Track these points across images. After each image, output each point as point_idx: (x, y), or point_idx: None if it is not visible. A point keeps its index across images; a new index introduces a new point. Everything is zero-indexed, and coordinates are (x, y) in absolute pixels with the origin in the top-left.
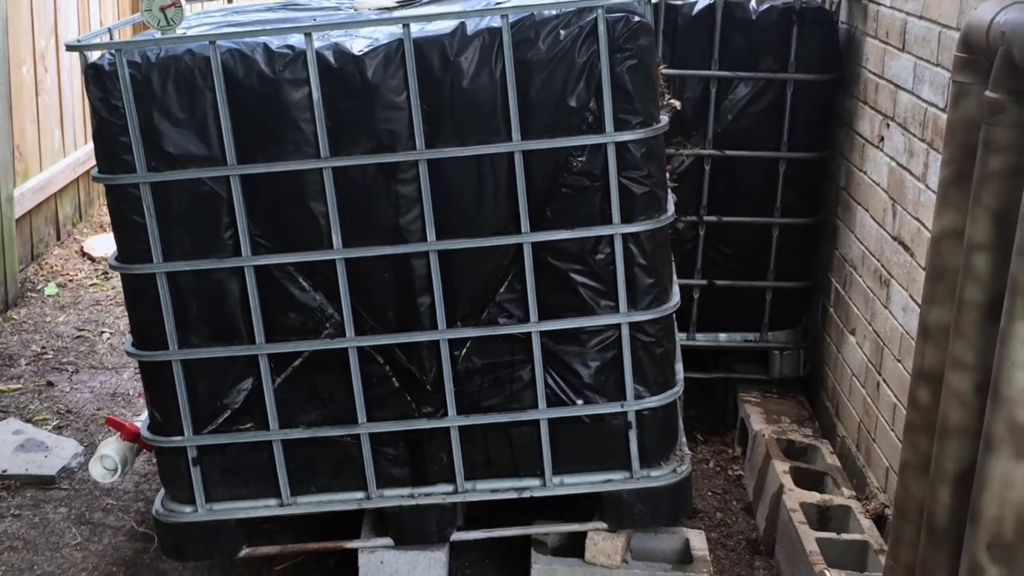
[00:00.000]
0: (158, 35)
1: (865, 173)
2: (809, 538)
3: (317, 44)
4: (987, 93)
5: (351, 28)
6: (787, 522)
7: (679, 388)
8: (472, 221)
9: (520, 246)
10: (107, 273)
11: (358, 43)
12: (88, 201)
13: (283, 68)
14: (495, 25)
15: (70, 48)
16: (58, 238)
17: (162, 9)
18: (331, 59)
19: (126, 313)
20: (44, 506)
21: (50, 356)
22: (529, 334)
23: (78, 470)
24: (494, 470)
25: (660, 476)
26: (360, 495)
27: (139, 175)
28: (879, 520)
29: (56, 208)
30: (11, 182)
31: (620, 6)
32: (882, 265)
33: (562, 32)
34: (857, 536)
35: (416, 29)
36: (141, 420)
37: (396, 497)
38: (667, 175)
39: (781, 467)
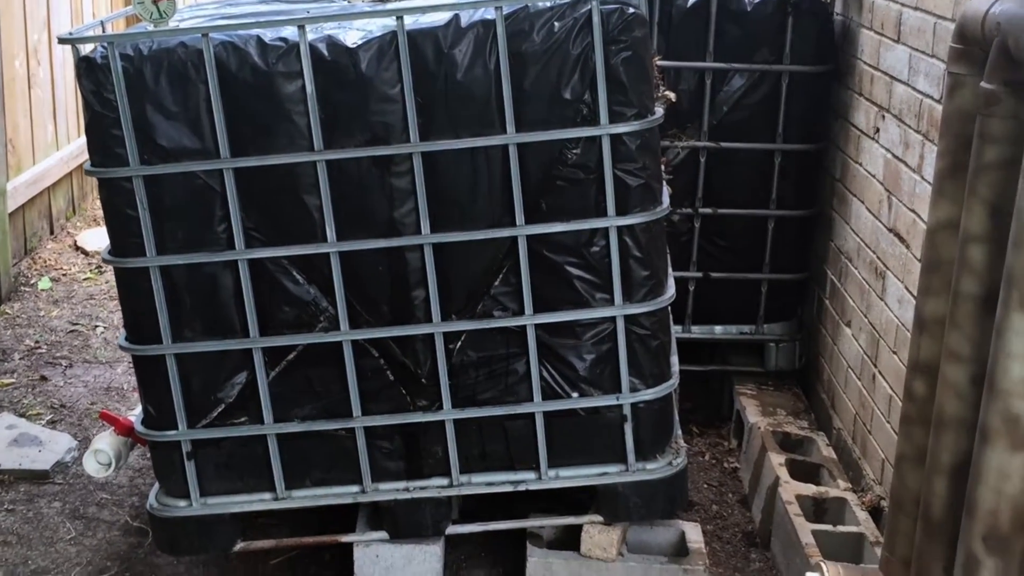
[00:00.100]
0: (150, 28)
1: (860, 165)
2: (805, 530)
3: (310, 36)
4: (982, 84)
5: (345, 20)
6: (783, 514)
7: (675, 381)
8: (466, 214)
9: (515, 239)
10: (100, 267)
11: (352, 35)
12: (81, 195)
13: (276, 61)
14: (489, 17)
15: (62, 41)
16: (51, 232)
17: (154, 2)
18: (324, 51)
19: (120, 307)
20: (38, 501)
21: (44, 350)
22: (524, 327)
23: (72, 464)
24: (489, 463)
25: (656, 469)
26: (355, 489)
27: (132, 168)
28: (875, 512)
29: (49, 202)
30: (4, 176)
31: None
32: (878, 257)
33: (556, 24)
34: (853, 528)
35: (410, 21)
36: (135, 414)
37: (391, 491)
38: (662, 167)
39: (777, 459)
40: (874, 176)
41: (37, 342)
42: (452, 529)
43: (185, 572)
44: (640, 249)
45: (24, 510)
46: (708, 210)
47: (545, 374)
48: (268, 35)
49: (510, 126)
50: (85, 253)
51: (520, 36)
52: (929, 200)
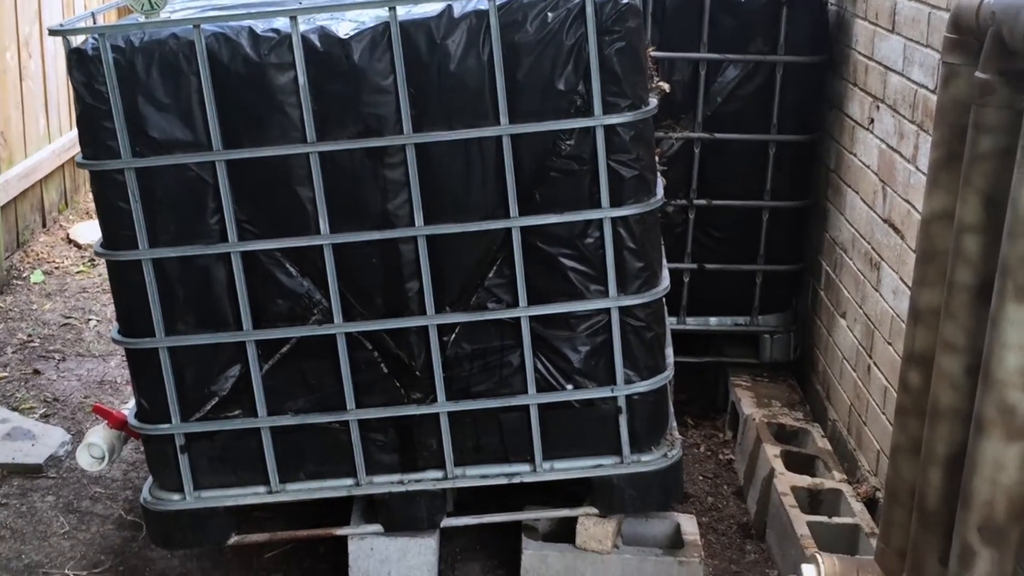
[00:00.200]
0: (142, 19)
1: (855, 155)
2: (800, 522)
3: (303, 27)
4: (977, 74)
5: (337, 11)
6: (778, 506)
7: (669, 372)
8: (460, 205)
9: (509, 231)
10: (93, 260)
11: (344, 26)
12: (74, 188)
13: (268, 52)
14: (482, 7)
15: (53, 33)
16: (44, 225)
17: None
18: (317, 42)
19: (112, 300)
20: (31, 495)
21: (36, 344)
22: (518, 319)
23: (65, 458)
24: (484, 456)
25: (651, 461)
26: (349, 482)
27: (124, 161)
28: (870, 503)
29: (41, 195)
30: None
31: None
32: (872, 248)
33: (550, 14)
34: (848, 519)
35: (403, 12)
36: (128, 408)
37: (386, 484)
38: (656, 158)
39: (772, 451)
40: (869, 167)
41: (30, 335)
42: (447, 522)
43: (179, 566)
44: (634, 240)
45: (17, 504)
46: (703, 201)
47: (540, 366)
48: (260, 26)
49: (504, 117)
50: (78, 246)
51: (513, 27)
52: (924, 190)
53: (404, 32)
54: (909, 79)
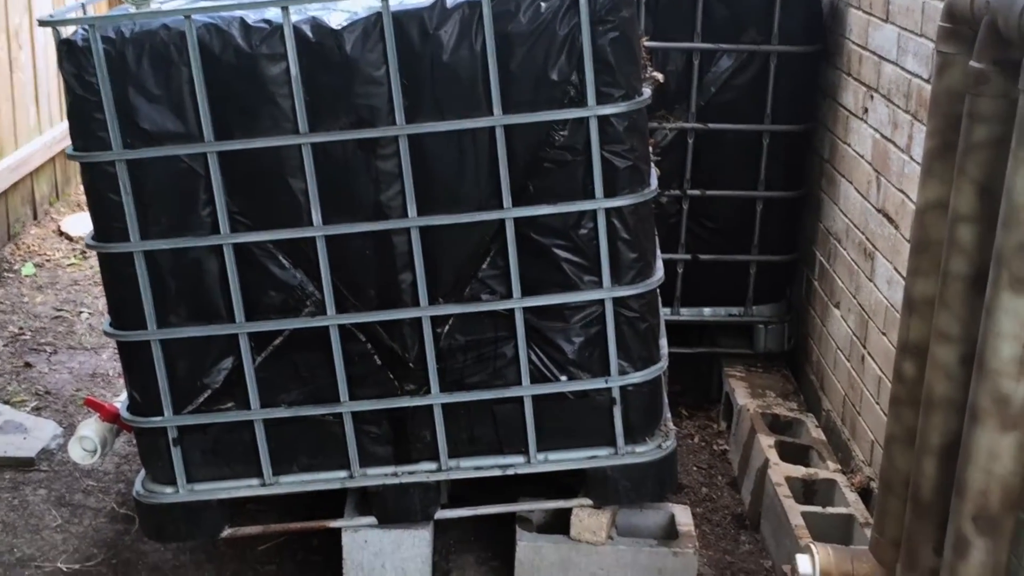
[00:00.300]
0: (132, 10)
1: (849, 145)
2: (795, 512)
3: (294, 18)
4: (971, 63)
5: (329, 2)
6: (772, 496)
7: (663, 363)
8: (453, 197)
9: (502, 222)
10: (85, 252)
11: (336, 17)
12: (65, 180)
13: (260, 43)
14: None
15: (43, 23)
16: (35, 217)
17: None
18: (309, 33)
19: (104, 292)
20: (23, 488)
21: (28, 337)
22: (512, 310)
23: (57, 451)
24: (478, 447)
25: (645, 452)
26: (343, 474)
27: (114, 152)
28: (864, 493)
29: (32, 187)
30: None
31: None
32: (866, 238)
33: (543, 4)
34: (842, 510)
35: (395, 2)
36: (120, 400)
37: (379, 476)
38: (650, 149)
39: (766, 441)
40: (863, 156)
41: (21, 328)
42: (441, 514)
43: (172, 559)
44: (628, 231)
45: (9, 498)
46: (696, 192)
47: (533, 357)
48: (251, 17)
49: (497, 108)
50: (69, 238)
51: (506, 17)
52: (918, 180)
53: (397, 22)
54: (903, 69)
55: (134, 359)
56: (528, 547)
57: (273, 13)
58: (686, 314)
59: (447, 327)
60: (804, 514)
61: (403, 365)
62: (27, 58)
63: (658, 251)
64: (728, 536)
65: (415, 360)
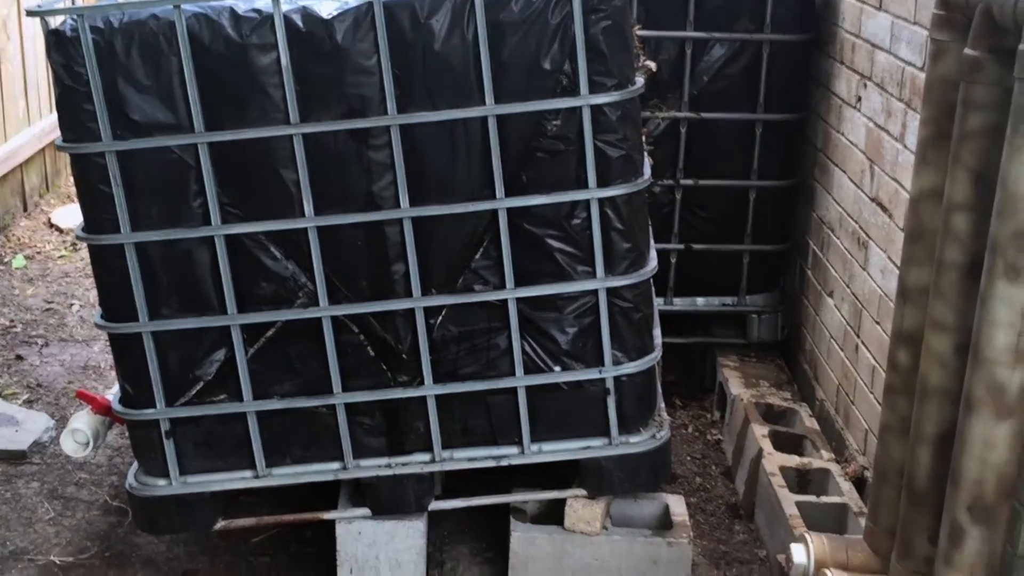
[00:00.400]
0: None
1: (842, 134)
2: (789, 502)
3: (285, 8)
4: (966, 51)
5: None
6: (766, 486)
7: (657, 353)
8: (446, 187)
9: (495, 212)
10: (75, 244)
11: (327, 6)
12: (55, 171)
13: (250, 32)
14: None
15: (31, 14)
16: (25, 209)
17: None
18: (299, 23)
19: (95, 284)
20: (16, 481)
21: (19, 329)
22: (505, 301)
23: (50, 444)
24: (471, 438)
25: (639, 442)
26: (336, 466)
27: (104, 143)
28: (858, 483)
29: (22, 179)
30: None
31: None
32: (860, 227)
33: None
34: (837, 499)
35: None
36: (112, 393)
37: (373, 467)
38: (643, 138)
39: (760, 431)
40: (856, 145)
41: (12, 321)
42: (435, 505)
43: (166, 551)
44: (622, 221)
45: (1, 491)
46: (689, 181)
47: (527, 348)
48: (241, 6)
49: (489, 97)
50: (59, 230)
51: (498, 6)
52: (912, 169)
53: (388, 12)
54: (897, 57)
55: (126, 351)
56: (522, 538)
57: (263, 2)
58: (679, 304)
59: (440, 318)
60: (798, 503)
61: (396, 356)
62: (15, 49)
63: (651, 241)
64: (722, 526)
65: (408, 351)
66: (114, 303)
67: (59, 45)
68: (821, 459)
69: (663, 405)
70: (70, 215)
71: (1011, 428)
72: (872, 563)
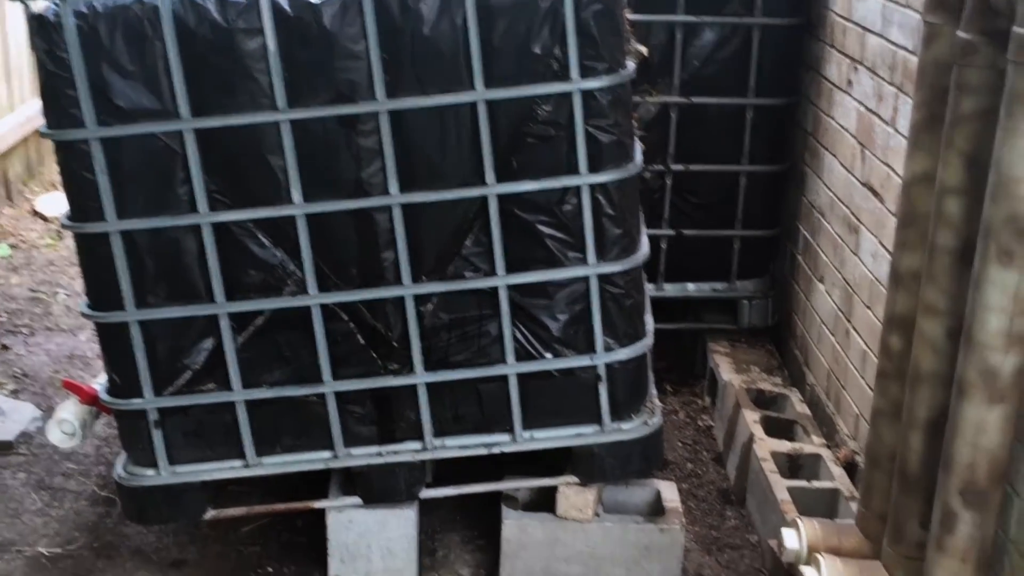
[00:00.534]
0: None
1: (833, 118)
2: (780, 487)
3: None
4: (959, 33)
5: None
6: (758, 471)
7: (649, 340)
8: (436, 173)
9: (485, 198)
10: (60, 233)
11: None
12: (39, 159)
13: (236, 17)
14: None
15: None
16: (8, 198)
17: None
18: (286, 7)
19: (81, 273)
20: (2, 472)
21: (4, 319)
22: (496, 288)
23: (36, 434)
24: (463, 426)
25: (631, 429)
26: (327, 454)
27: (89, 130)
28: (849, 467)
29: (5, 167)
30: None
31: None
32: (851, 211)
33: None
34: (828, 484)
35: None
36: (99, 382)
37: (364, 456)
38: (634, 123)
39: (751, 416)
40: (847, 130)
41: None
42: (426, 493)
43: (155, 541)
44: (613, 207)
45: None
46: (680, 166)
47: (518, 335)
48: None
49: (479, 82)
50: (44, 219)
51: None
52: (904, 153)
53: None
54: (888, 40)
55: (113, 340)
56: (514, 525)
57: None
58: (670, 290)
59: (430, 305)
60: (790, 489)
61: (387, 344)
62: None
63: (643, 227)
64: (714, 511)
65: (399, 339)
66: (100, 292)
67: (41, 30)
68: (812, 444)
69: (655, 391)
70: (55, 203)
71: (1003, 412)
72: (864, 547)
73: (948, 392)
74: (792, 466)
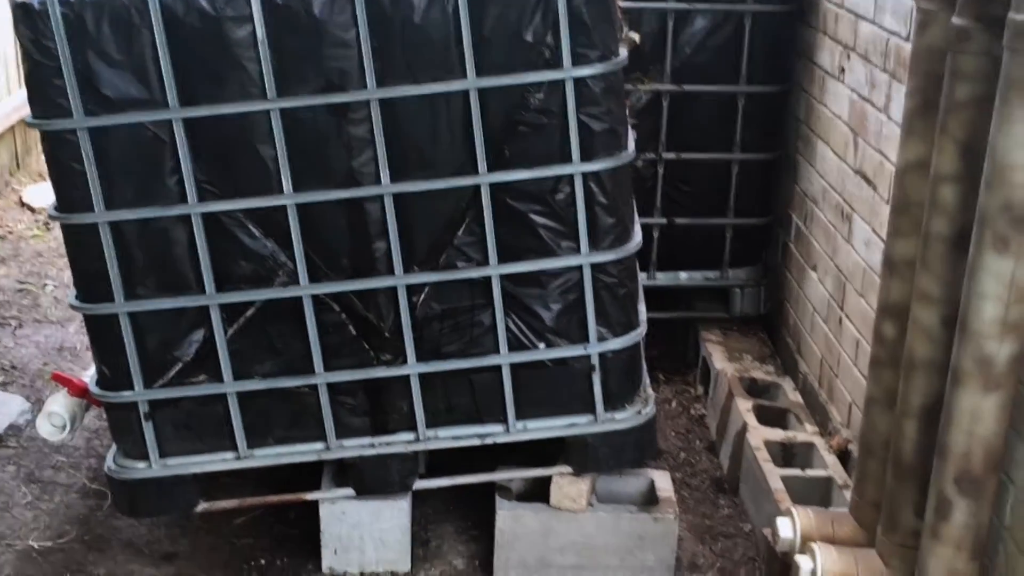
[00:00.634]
0: None
1: (826, 106)
2: (773, 475)
3: None
4: (953, 20)
5: None
6: (751, 460)
7: (642, 329)
8: (427, 162)
9: (478, 187)
10: (48, 223)
11: None
12: (25, 149)
13: (225, 5)
14: None
15: None
16: None
17: None
18: None
19: (69, 264)
20: None
21: None
22: (489, 278)
23: (25, 427)
24: (456, 417)
25: (624, 419)
26: (319, 446)
27: (76, 120)
28: (842, 456)
29: None
30: None
31: None
32: (844, 199)
33: None
34: (821, 472)
35: None
36: (89, 375)
37: (356, 447)
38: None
39: (744, 405)
40: (840, 117)
41: None
42: (419, 484)
43: (147, 534)
44: (606, 196)
45: None
46: (672, 155)
47: (511, 325)
48: None
49: (470, 70)
50: (31, 210)
51: None
52: (897, 140)
53: None
54: (881, 27)
55: (102, 333)
56: (508, 515)
57: None
58: (662, 279)
59: (423, 296)
60: (783, 477)
61: (379, 335)
62: None
63: (636, 215)
64: (707, 500)
65: (391, 330)
66: (89, 283)
67: (27, 18)
68: (805, 432)
69: (648, 381)
70: (42, 194)
71: (998, 400)
72: (858, 536)
73: (942, 380)
74: (785, 454)
